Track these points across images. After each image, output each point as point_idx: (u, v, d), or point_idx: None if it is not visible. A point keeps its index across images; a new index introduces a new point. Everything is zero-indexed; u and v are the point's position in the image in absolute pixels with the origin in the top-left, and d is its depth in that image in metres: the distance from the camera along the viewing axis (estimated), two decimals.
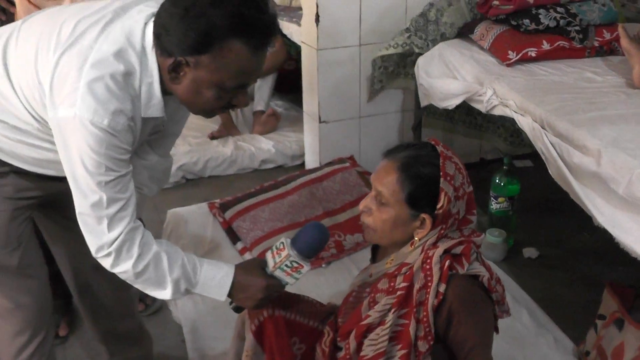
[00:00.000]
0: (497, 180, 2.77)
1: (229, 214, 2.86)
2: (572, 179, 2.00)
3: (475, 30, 2.77)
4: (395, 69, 3.15)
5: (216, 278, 1.59)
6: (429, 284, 1.50)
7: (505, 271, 2.64)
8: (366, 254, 2.71)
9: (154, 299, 2.51)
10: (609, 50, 2.63)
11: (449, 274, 1.49)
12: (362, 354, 1.59)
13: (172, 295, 1.56)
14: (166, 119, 1.55)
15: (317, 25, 2.98)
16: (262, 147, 3.63)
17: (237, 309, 1.72)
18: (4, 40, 1.52)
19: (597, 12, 2.65)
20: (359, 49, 3.12)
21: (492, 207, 2.80)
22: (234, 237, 2.79)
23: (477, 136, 3.38)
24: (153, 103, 1.45)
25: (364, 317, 1.60)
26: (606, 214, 1.90)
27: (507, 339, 2.23)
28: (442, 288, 1.49)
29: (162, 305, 2.53)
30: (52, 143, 1.50)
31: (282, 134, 3.80)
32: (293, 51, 4.36)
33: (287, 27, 4.07)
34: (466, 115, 3.33)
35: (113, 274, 1.86)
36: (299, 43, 3.94)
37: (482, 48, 2.73)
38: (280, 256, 1.62)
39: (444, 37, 2.90)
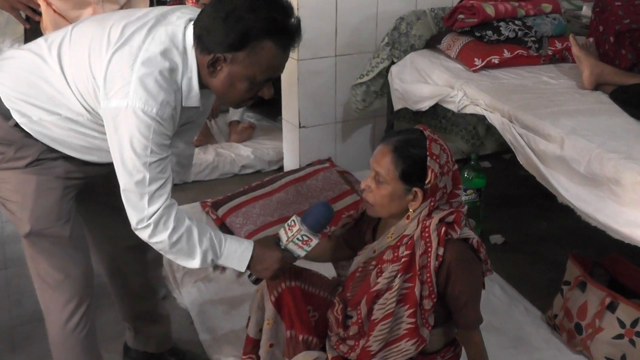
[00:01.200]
0: (465, 175, 3.12)
1: (221, 211, 3.12)
2: (539, 163, 2.36)
3: (442, 42, 3.14)
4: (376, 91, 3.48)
5: (238, 251, 1.83)
6: (429, 249, 1.78)
7: None
8: None
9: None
10: (561, 58, 3.05)
11: (445, 239, 1.78)
12: (372, 317, 1.85)
13: (200, 264, 1.78)
14: (202, 109, 1.81)
15: None
16: (242, 153, 3.90)
17: (256, 281, 1.95)
18: (58, 43, 1.75)
19: (550, 25, 3.06)
20: (334, 60, 3.45)
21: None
22: (227, 232, 3.04)
23: (444, 139, 3.74)
24: (192, 95, 1.71)
25: (372, 285, 1.86)
26: (570, 190, 2.26)
27: (485, 309, 2.51)
28: (440, 251, 1.77)
29: (166, 294, 2.76)
30: (99, 132, 1.74)
31: (258, 141, 4.08)
32: None
33: None
34: (432, 119, 3.69)
35: (143, 255, 2.10)
36: None
37: (449, 57, 3.09)
38: (292, 231, 1.87)
39: (413, 48, 3.26)
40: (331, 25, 3.37)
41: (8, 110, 1.73)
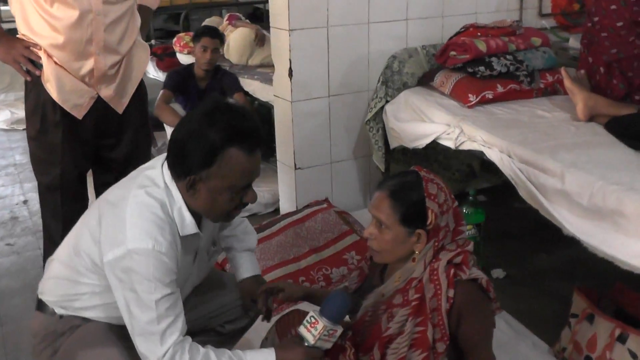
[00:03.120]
0: (464, 210, 3.14)
1: (220, 257, 3.11)
2: (541, 197, 2.38)
3: (435, 79, 3.19)
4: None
5: None
6: (439, 291, 1.78)
7: None
8: None
9: None
10: (553, 91, 3.11)
11: (454, 280, 1.79)
12: None
13: None
14: (202, 235, 1.86)
15: (290, 79, 3.33)
16: None
17: None
18: (72, 239, 1.91)
19: (540, 59, 3.12)
20: (328, 100, 3.47)
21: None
22: None
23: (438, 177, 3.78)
24: (186, 223, 1.77)
25: (384, 330, 1.86)
26: (573, 224, 2.28)
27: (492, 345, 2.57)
28: (450, 293, 1.78)
29: None
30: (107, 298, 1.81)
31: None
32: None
33: (250, 85, 4.43)
34: (424, 162, 3.72)
35: None
36: (262, 98, 4.31)
37: (443, 93, 3.14)
38: (316, 329, 1.82)
39: (406, 86, 3.30)
40: (324, 66, 3.40)
41: (52, 309, 1.91)
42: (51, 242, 2.53)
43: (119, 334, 1.89)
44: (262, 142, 1.74)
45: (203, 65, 4.23)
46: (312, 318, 1.83)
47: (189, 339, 1.74)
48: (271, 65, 4.69)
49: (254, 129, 1.72)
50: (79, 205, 2.53)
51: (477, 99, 2.96)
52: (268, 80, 4.28)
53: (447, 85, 3.09)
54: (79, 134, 2.43)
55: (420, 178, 1.84)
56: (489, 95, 2.97)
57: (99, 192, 2.64)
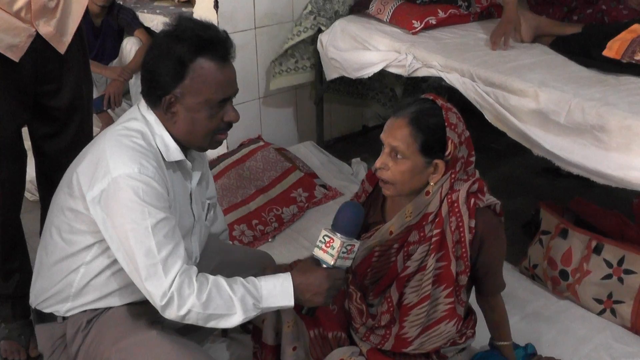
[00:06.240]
0: None
1: None
2: (513, 119, 2.29)
3: (371, 6, 2.97)
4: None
5: (277, 286, 1.59)
6: (461, 223, 1.64)
7: None
8: (304, 222, 2.86)
9: None
10: (488, 14, 3.02)
11: (475, 210, 1.66)
12: (405, 302, 1.68)
13: (244, 314, 1.54)
14: (191, 164, 1.71)
15: (217, 11, 3.00)
16: None
17: (310, 312, 1.69)
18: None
19: None
20: (254, 32, 3.16)
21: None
22: None
23: (361, 104, 3.64)
24: (171, 150, 1.63)
25: (402, 270, 1.69)
26: (550, 142, 2.20)
27: None
28: (472, 224, 1.64)
29: None
30: (110, 257, 1.60)
31: None
32: None
33: (152, 20, 4.00)
34: (349, 86, 3.56)
35: None
36: None
37: (381, 21, 2.93)
38: (333, 248, 1.60)
39: (338, 15, 3.06)
40: None
41: (51, 313, 1.71)
42: None
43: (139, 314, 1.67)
44: (233, 53, 1.63)
45: (98, 1, 3.73)
46: (325, 237, 1.61)
47: (194, 267, 1.56)
48: None
49: (222, 38, 1.60)
50: (18, 164, 2.12)
51: (422, 25, 2.79)
52: (171, 14, 3.89)
53: (385, 13, 2.90)
54: (16, 81, 1.99)
55: (438, 106, 1.65)
56: (432, 20, 2.82)
57: (37, 147, 2.23)
